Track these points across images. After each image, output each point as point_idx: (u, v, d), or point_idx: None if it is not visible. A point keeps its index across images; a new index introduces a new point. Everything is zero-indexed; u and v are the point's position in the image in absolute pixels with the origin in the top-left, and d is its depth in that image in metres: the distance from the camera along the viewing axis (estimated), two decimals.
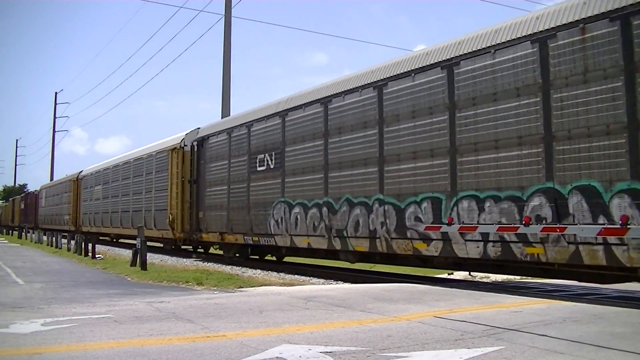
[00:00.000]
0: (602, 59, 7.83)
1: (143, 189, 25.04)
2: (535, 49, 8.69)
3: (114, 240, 33.12)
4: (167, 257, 21.21)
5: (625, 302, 8.11)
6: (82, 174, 37.85)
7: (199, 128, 20.62)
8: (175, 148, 21.68)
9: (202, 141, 19.58)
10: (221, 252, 19.87)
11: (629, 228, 7.44)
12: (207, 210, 18.81)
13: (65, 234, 29.04)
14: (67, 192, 40.71)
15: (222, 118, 24.49)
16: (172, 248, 23.59)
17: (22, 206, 62.55)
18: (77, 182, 38.76)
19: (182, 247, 23.48)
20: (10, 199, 77.61)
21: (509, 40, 9.10)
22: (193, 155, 20.03)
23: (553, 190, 8.33)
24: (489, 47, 9.40)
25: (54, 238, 29.03)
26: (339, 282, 12.82)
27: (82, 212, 36.84)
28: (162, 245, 24.96)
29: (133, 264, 15.97)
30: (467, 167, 9.68)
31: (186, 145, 21.02)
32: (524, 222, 8.70)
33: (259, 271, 15.56)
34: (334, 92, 13.15)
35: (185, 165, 20.90)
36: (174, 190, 21.40)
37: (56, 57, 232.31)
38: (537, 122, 8.60)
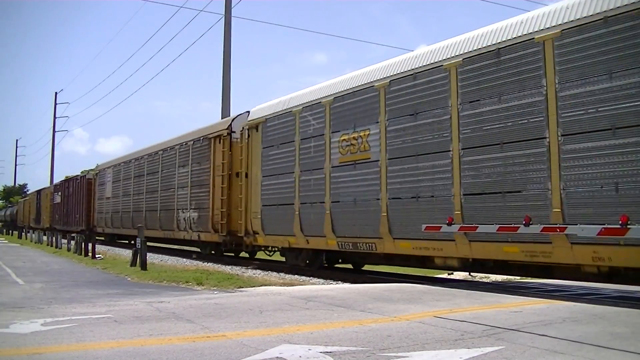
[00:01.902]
0: None
1: None
2: None
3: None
4: (166, 257, 21.20)
5: (625, 302, 8.10)
6: (253, 117, 16.50)
7: None
8: None
9: None
10: None
11: (629, 228, 7.44)
12: None
13: (198, 251, 17.45)
14: (189, 165, 20.74)
15: (222, 118, 23.52)
16: None
17: (57, 199, 41.81)
18: (223, 140, 18.40)
19: None
20: (34, 190, 57.29)
21: None
22: None
23: None
24: None
25: (53, 238, 29.01)
26: (339, 282, 12.82)
27: (260, 201, 15.77)
28: None
29: (133, 264, 15.96)
30: None
31: None
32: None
33: (259, 271, 15.55)
34: None
35: None
36: None
37: (56, 57, 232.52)
38: None
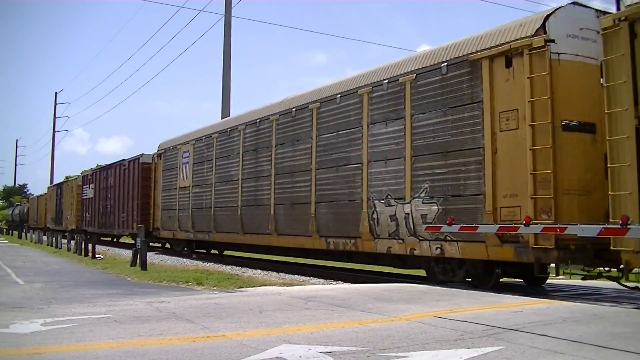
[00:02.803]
0: None
1: None
2: None
3: None
4: (167, 257, 21.19)
5: (625, 302, 8.11)
6: None
7: None
8: None
9: None
10: None
11: (629, 228, 7.43)
12: None
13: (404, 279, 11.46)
14: (404, 118, 11.23)
15: (222, 118, 23.07)
16: None
17: (89, 194, 32.36)
18: (530, 59, 8.99)
19: None
20: (53, 184, 46.79)
21: None
22: None
23: None
24: None
25: (53, 238, 29.00)
26: (339, 282, 12.82)
27: None
28: None
29: (133, 264, 15.96)
30: None
31: None
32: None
33: (259, 271, 15.55)
34: None
35: None
36: None
37: (56, 57, 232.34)
38: None
